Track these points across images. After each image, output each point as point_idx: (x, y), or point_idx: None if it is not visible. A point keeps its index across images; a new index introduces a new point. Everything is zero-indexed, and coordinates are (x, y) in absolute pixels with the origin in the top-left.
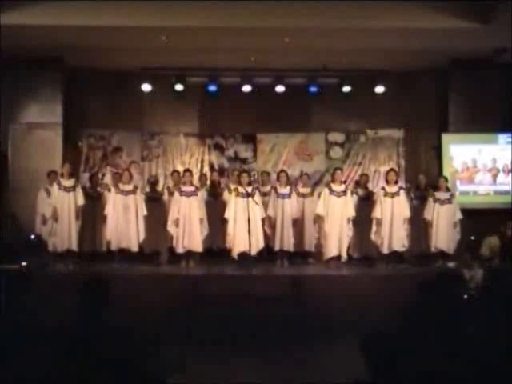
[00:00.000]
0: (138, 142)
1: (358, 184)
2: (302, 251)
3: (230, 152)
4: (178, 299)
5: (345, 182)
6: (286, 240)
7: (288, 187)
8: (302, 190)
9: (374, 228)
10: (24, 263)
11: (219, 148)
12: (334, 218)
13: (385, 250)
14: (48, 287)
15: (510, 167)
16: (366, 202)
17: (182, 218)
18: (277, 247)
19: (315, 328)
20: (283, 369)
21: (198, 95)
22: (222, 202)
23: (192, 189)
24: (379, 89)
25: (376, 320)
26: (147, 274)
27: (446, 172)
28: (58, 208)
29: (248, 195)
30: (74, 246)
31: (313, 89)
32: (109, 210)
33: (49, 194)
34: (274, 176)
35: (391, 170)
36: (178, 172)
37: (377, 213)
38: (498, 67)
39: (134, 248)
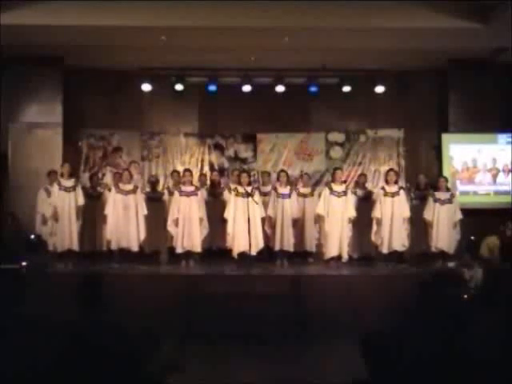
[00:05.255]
0: (138, 141)
1: (357, 184)
2: (302, 251)
3: (230, 152)
4: (178, 299)
5: (345, 181)
6: (286, 240)
7: (288, 187)
8: (302, 189)
9: (374, 228)
10: (24, 263)
11: (219, 148)
12: (334, 218)
13: (385, 250)
14: (48, 287)
15: (509, 167)
16: (365, 202)
17: (181, 217)
18: (277, 247)
19: (315, 328)
20: (283, 369)
21: (197, 95)
22: (221, 201)
23: (192, 188)
24: (379, 89)
25: (376, 320)
26: (147, 273)
27: (446, 172)
28: (58, 208)
29: (248, 195)
30: (75, 246)
31: (313, 89)
32: (109, 210)
33: (49, 193)
34: (274, 176)
35: (391, 169)
36: (178, 172)
37: (377, 213)
38: (498, 67)
39: (134, 248)
